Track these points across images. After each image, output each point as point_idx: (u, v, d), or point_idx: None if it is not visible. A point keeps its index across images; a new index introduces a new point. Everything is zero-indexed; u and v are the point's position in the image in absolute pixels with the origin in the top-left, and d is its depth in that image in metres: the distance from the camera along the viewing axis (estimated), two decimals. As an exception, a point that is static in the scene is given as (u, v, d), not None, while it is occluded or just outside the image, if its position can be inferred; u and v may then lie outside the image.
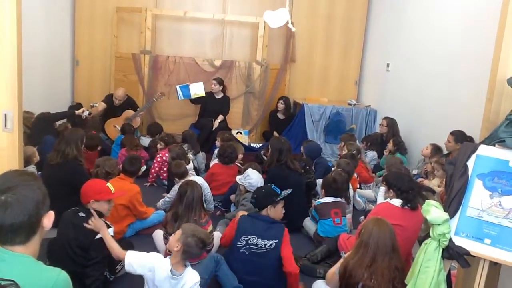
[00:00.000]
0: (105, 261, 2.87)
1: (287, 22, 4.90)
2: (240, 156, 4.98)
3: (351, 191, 4.44)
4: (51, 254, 2.99)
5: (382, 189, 4.50)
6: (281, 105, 7.40)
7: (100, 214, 2.95)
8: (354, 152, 5.20)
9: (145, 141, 5.93)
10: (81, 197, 3.01)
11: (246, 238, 3.00)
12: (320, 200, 4.06)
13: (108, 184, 3.11)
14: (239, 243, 3.02)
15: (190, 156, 5.20)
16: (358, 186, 4.93)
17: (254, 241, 2.99)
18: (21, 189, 1.49)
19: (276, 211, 3.23)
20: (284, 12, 4.89)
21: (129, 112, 6.58)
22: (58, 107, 6.76)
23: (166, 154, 5.16)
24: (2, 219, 1.46)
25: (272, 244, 2.98)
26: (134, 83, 7.03)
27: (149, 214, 3.88)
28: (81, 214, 2.90)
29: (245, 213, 3.52)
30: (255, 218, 3.14)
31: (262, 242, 2.99)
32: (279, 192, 3.32)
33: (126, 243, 3.36)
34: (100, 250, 2.79)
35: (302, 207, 4.27)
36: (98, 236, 2.79)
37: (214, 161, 5.08)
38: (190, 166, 5.05)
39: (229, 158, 4.75)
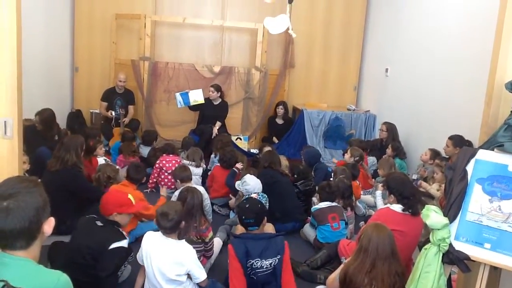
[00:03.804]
0: (117, 272, 2.87)
1: (288, 28, 4.89)
2: (239, 165, 4.97)
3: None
4: (53, 257, 3.00)
5: (378, 193, 4.51)
6: (281, 110, 7.42)
7: (118, 225, 2.98)
8: (357, 158, 5.21)
9: (144, 150, 5.93)
10: (101, 209, 2.99)
11: (250, 263, 2.80)
12: (316, 206, 4.07)
13: (129, 195, 3.10)
14: (247, 269, 2.81)
15: (186, 161, 5.21)
16: (361, 193, 4.94)
17: (258, 263, 2.80)
18: (22, 195, 1.51)
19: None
20: (285, 18, 4.88)
21: (117, 130, 6.64)
22: (58, 113, 6.75)
23: (164, 161, 5.18)
24: (3, 224, 1.48)
25: (275, 261, 2.83)
26: (133, 89, 7.04)
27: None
28: (99, 223, 2.92)
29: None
30: (249, 239, 2.87)
31: (266, 262, 2.81)
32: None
33: (125, 250, 3.36)
34: (111, 260, 2.79)
35: (294, 200, 4.43)
36: (112, 246, 2.79)
37: (214, 165, 5.25)
38: (199, 171, 5.08)
39: (227, 164, 4.89)
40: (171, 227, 2.78)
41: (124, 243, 2.84)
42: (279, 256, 2.84)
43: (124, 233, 2.96)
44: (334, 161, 6.20)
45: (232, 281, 2.78)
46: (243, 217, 2.96)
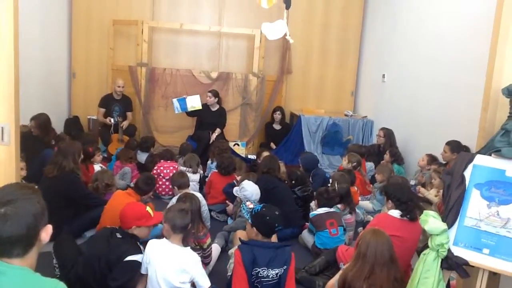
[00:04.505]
0: (127, 285, 2.86)
1: (285, 34, 4.91)
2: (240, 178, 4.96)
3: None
4: (60, 253, 3.08)
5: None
6: (278, 116, 7.44)
7: (137, 238, 2.98)
8: (355, 164, 5.21)
9: (142, 156, 5.91)
10: (120, 222, 3.03)
11: (256, 271, 2.74)
12: (314, 212, 4.06)
13: (148, 208, 3.10)
14: (251, 277, 2.76)
15: (182, 167, 5.20)
16: (359, 199, 4.93)
17: (264, 272, 2.75)
18: (21, 202, 1.50)
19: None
20: (282, 24, 4.90)
21: (115, 136, 6.64)
22: (55, 119, 6.75)
23: (161, 167, 5.17)
24: (0, 231, 1.47)
25: (281, 271, 2.79)
26: (131, 95, 7.04)
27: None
28: (118, 235, 2.95)
29: (244, 233, 3.54)
30: (258, 247, 2.81)
31: (273, 272, 2.76)
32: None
33: (138, 264, 3.34)
34: (124, 272, 2.78)
35: (292, 206, 4.42)
36: (128, 258, 2.79)
37: (212, 171, 5.23)
38: (196, 177, 5.06)
39: (225, 170, 4.89)
40: (186, 225, 2.79)
41: (139, 257, 2.83)
42: (285, 267, 2.80)
43: (141, 247, 2.95)
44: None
45: (234, 287, 2.76)
46: (276, 224, 2.89)
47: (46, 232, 1.58)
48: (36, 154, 4.54)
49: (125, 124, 6.71)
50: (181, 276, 2.70)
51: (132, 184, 4.95)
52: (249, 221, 3.00)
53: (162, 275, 2.69)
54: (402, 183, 3.47)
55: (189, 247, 2.84)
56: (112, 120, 6.66)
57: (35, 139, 4.85)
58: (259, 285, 2.77)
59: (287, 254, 2.83)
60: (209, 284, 2.80)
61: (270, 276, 2.76)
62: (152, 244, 2.80)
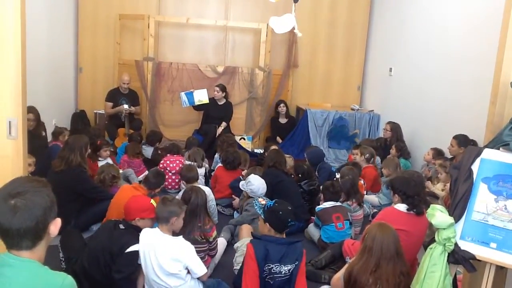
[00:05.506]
0: (131, 278, 2.88)
1: (293, 28, 4.88)
2: (245, 172, 4.94)
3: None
4: (66, 247, 3.12)
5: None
6: (283, 108, 7.42)
7: (140, 230, 2.99)
8: (367, 155, 5.19)
9: (148, 151, 5.92)
10: (124, 214, 3.06)
11: (269, 267, 2.71)
12: (321, 206, 4.06)
13: (152, 201, 3.12)
14: (263, 272, 2.73)
15: (187, 161, 5.19)
16: (365, 193, 4.91)
17: (277, 268, 2.73)
18: (30, 195, 1.52)
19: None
20: (290, 18, 4.87)
21: (122, 130, 6.67)
22: (62, 114, 6.81)
23: (168, 161, 5.18)
24: (10, 223, 1.48)
25: (293, 267, 2.77)
26: (137, 90, 7.05)
27: None
28: (121, 226, 2.99)
29: (249, 227, 3.54)
30: (271, 243, 2.77)
31: (285, 268, 2.74)
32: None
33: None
34: (128, 264, 2.81)
35: (299, 200, 4.42)
36: (129, 249, 2.81)
37: (218, 165, 5.22)
38: (201, 171, 5.08)
39: (230, 165, 4.90)
40: (167, 214, 2.79)
41: (135, 247, 2.84)
42: (297, 263, 2.78)
43: None
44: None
45: (245, 282, 2.73)
46: (289, 220, 2.86)
47: (55, 226, 1.60)
48: (33, 150, 4.54)
49: (132, 109, 6.73)
50: (174, 264, 2.72)
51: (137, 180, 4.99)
52: (262, 216, 2.99)
53: (157, 263, 2.72)
54: (408, 177, 3.44)
55: (181, 236, 2.85)
56: (125, 106, 6.64)
57: (29, 134, 4.81)
58: (271, 281, 2.74)
59: (299, 250, 2.82)
60: (204, 271, 2.82)
61: (283, 272, 2.75)
62: (145, 233, 2.83)
